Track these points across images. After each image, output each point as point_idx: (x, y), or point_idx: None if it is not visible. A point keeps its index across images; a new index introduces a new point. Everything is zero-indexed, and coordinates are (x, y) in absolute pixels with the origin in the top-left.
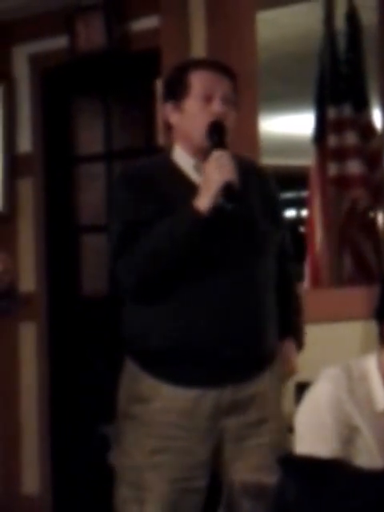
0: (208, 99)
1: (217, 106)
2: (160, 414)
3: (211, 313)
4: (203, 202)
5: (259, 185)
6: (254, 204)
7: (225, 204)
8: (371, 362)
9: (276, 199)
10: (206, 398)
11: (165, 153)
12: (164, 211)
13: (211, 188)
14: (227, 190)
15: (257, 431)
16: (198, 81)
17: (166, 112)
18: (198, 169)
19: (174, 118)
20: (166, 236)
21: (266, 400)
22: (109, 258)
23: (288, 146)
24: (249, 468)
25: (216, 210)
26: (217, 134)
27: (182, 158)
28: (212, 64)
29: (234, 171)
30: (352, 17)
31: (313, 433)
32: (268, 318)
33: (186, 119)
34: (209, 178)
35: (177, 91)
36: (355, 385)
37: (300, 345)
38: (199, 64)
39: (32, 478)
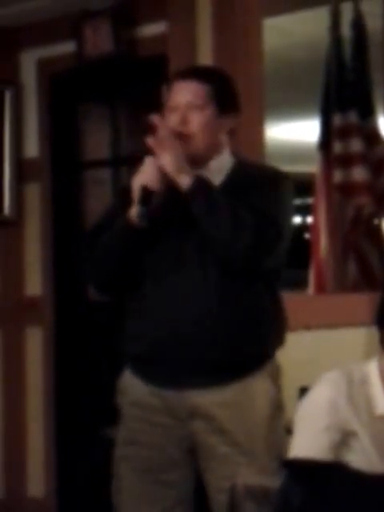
0: (174, 109)
1: (174, 116)
2: (130, 407)
3: (166, 319)
4: (131, 209)
5: (253, 187)
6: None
7: (140, 208)
8: (372, 367)
9: (254, 194)
10: (169, 399)
11: None
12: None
13: (135, 195)
14: (143, 194)
15: (223, 440)
16: (171, 91)
17: None
18: None
19: None
20: (106, 243)
21: (232, 410)
22: None
23: (294, 152)
24: (221, 476)
25: (138, 215)
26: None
27: None
28: (183, 71)
29: (153, 174)
30: (358, 24)
31: (304, 435)
32: (229, 323)
33: None
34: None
35: (165, 102)
36: (355, 389)
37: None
38: (175, 73)
39: (37, 481)
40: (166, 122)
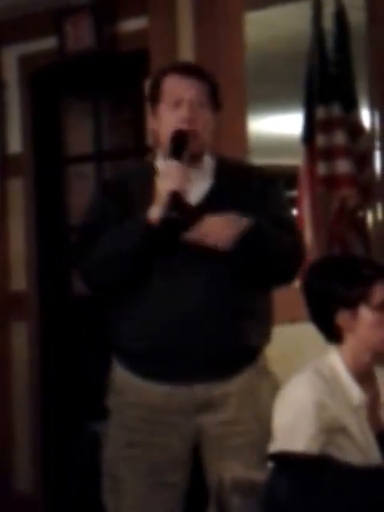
0: (177, 104)
1: (183, 112)
2: (131, 408)
3: (174, 314)
4: (153, 212)
5: (242, 186)
6: (226, 206)
7: (169, 213)
8: (335, 359)
9: (257, 195)
10: (176, 395)
11: (150, 156)
12: (127, 216)
13: (159, 198)
14: (172, 199)
15: (234, 430)
16: (169, 86)
17: (148, 117)
18: None
19: (152, 122)
20: (116, 244)
21: (244, 399)
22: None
23: (278, 146)
24: (229, 468)
25: (165, 220)
26: (175, 144)
27: (161, 162)
28: (183, 68)
29: (183, 180)
30: (340, 16)
31: (296, 443)
32: (239, 317)
33: (159, 124)
34: (157, 189)
35: (153, 96)
36: (331, 385)
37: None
38: (172, 69)
39: (24, 476)
40: (169, 116)
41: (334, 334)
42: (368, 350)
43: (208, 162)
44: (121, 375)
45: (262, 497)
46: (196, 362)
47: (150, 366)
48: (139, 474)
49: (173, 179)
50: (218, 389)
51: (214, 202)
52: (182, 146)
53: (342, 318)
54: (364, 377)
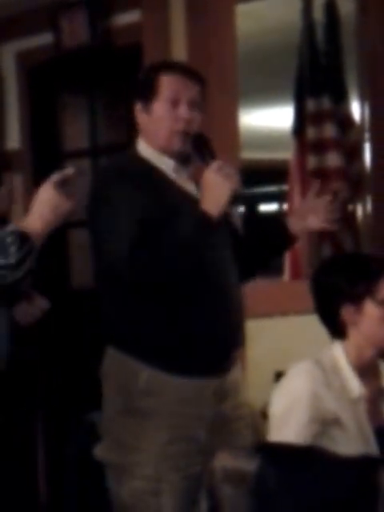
0: (175, 103)
1: (183, 111)
2: (168, 405)
3: (208, 310)
4: (215, 210)
5: None
6: None
7: (229, 208)
8: (337, 351)
9: None
10: (208, 387)
11: (131, 150)
12: (157, 209)
13: (223, 197)
14: (233, 197)
15: (240, 413)
16: (167, 84)
17: (136, 111)
18: (177, 171)
19: (142, 118)
20: (185, 239)
21: (241, 385)
22: (108, 252)
23: (270, 139)
24: (236, 447)
25: (227, 215)
26: (204, 146)
27: (154, 157)
28: (182, 68)
29: (237, 177)
30: (330, 8)
31: (287, 431)
32: (242, 305)
33: (154, 122)
34: (218, 188)
35: (146, 93)
36: (330, 377)
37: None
38: (169, 67)
39: None
40: (166, 115)
41: (338, 329)
42: (372, 345)
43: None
44: (151, 376)
45: (251, 487)
46: (220, 355)
47: (186, 363)
48: (179, 470)
49: (232, 179)
50: (229, 377)
51: None
52: (210, 147)
53: (347, 312)
54: (367, 371)
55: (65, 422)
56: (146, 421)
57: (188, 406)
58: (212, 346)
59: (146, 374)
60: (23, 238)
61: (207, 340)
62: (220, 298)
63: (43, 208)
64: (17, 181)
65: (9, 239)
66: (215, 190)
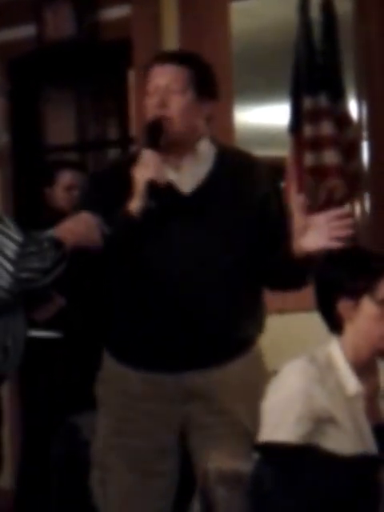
0: (152, 92)
1: (153, 98)
2: (116, 396)
3: (163, 304)
4: (133, 203)
5: (245, 178)
6: (225, 193)
7: (149, 202)
8: (334, 349)
9: (257, 193)
10: (164, 383)
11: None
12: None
13: (138, 189)
14: (150, 188)
15: (222, 420)
16: (149, 76)
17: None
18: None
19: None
20: (111, 240)
21: (233, 389)
22: None
23: (266, 136)
24: (213, 457)
25: (147, 209)
26: (149, 132)
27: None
28: (160, 55)
29: (159, 168)
30: (327, 6)
31: (279, 428)
32: (232, 308)
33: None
34: (134, 179)
35: (145, 89)
36: (324, 374)
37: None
38: (153, 59)
39: (6, 472)
40: (145, 108)
41: (335, 324)
42: (367, 343)
43: (206, 148)
44: (108, 364)
45: (247, 488)
46: (183, 352)
47: (140, 356)
48: (126, 462)
49: (149, 168)
50: (206, 378)
51: (211, 188)
52: (157, 134)
53: (344, 306)
54: (364, 368)
55: (47, 423)
56: (100, 407)
57: (136, 400)
58: (148, 343)
59: (105, 362)
60: (58, 244)
61: (144, 335)
62: (168, 298)
63: (80, 225)
64: None
65: (46, 244)
66: (135, 183)
